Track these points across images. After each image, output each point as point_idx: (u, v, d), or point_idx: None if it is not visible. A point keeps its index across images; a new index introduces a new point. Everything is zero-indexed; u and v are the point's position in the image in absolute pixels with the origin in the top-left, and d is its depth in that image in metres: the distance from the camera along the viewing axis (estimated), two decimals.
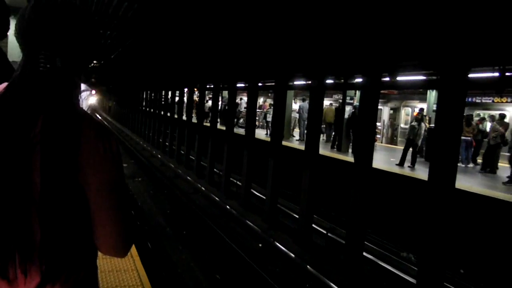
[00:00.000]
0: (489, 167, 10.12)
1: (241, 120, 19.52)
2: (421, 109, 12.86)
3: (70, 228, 0.95)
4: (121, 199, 0.98)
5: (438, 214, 4.95)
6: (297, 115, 16.16)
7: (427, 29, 5.42)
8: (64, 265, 0.96)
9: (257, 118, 18.97)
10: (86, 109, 1.00)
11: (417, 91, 15.61)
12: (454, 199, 4.93)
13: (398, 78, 7.28)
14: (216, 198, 10.78)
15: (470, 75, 5.28)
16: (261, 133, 15.97)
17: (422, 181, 7.45)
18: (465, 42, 4.91)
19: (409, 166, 10.23)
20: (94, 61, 31.51)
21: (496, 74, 4.95)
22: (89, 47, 1.03)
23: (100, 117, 34.78)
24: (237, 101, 18.94)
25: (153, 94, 21.99)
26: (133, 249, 4.23)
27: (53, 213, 0.92)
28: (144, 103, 24.39)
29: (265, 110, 19.81)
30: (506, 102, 12.88)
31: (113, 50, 18.89)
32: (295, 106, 18.20)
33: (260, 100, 24.13)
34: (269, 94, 22.48)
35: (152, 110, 21.73)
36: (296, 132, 16.44)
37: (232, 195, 11.12)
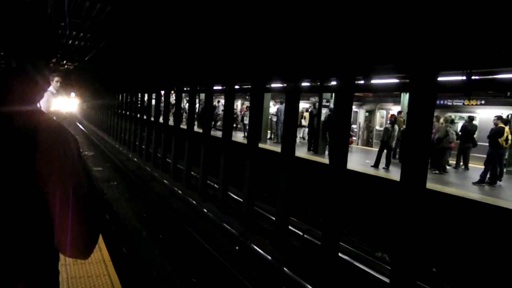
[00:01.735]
0: (437, 167, 10.45)
1: (219, 123, 19.49)
2: (399, 112, 13.13)
3: (28, 233, 0.94)
4: (82, 201, 0.97)
5: (410, 214, 5.07)
6: (274, 118, 16.25)
7: (399, 33, 5.57)
8: (22, 271, 0.94)
9: (237, 120, 19.05)
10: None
11: (392, 94, 15.97)
12: (425, 199, 5.06)
13: (372, 81, 7.44)
14: (193, 201, 10.71)
15: (440, 79, 5.45)
16: (239, 136, 15.99)
17: (395, 182, 7.61)
18: (434, 46, 5.06)
19: (383, 168, 10.44)
20: (69, 63, 30.87)
21: (464, 77, 5.11)
22: (45, 47, 1.01)
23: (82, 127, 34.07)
24: (214, 103, 18.93)
25: (129, 97, 21.71)
26: (106, 254, 4.16)
27: (9, 219, 0.90)
28: (120, 106, 24.04)
29: (242, 112, 19.84)
30: (476, 105, 13.32)
31: (87, 52, 18.59)
32: (273, 109, 18.31)
33: (238, 103, 24.16)
34: (247, 97, 22.52)
35: (128, 113, 21.44)
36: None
37: (209, 198, 11.07)
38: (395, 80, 8.00)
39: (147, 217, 10.12)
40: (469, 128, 10.62)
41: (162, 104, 16.50)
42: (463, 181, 9.62)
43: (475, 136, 10.88)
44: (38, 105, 1.04)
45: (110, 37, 14.40)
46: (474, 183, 8.97)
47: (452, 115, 13.29)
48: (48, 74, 1.05)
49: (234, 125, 18.20)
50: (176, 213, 10.10)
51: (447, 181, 9.36)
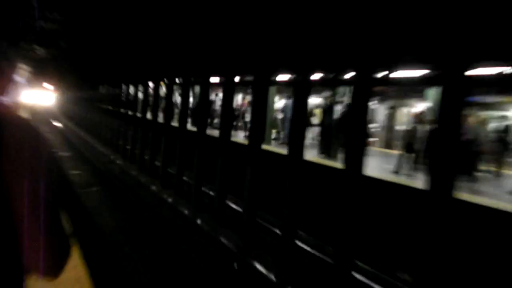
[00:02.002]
0: (467, 173, 10.37)
1: (216, 120, 19.52)
2: (424, 109, 13.11)
3: None
4: (51, 210, 0.97)
5: (435, 227, 5.06)
6: (280, 115, 16.27)
7: (428, 18, 5.56)
8: None
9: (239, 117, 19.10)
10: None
11: (417, 89, 15.96)
12: (454, 209, 5.05)
13: (395, 74, 7.43)
14: (185, 211, 10.72)
15: (473, 72, 5.43)
16: (240, 135, 16.02)
17: (419, 191, 7.60)
18: (470, 34, 5.04)
19: (406, 174, 10.43)
20: (43, 49, 31.02)
21: (502, 70, 5.10)
22: (11, 29, 1.01)
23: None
24: (211, 98, 18.95)
25: (110, 89, 21.77)
26: (83, 272, 4.17)
27: None
28: (99, 99, 24.10)
29: (244, 108, 19.87)
30: None
31: (64, 37, 18.65)
32: (279, 104, 18.33)
33: (239, 97, 24.20)
34: (249, 91, 22.56)
35: (110, 107, 21.49)
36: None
37: (204, 207, 11.07)
38: (422, 73, 8.00)
39: (131, 229, 10.14)
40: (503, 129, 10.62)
41: (151, 98, 16.52)
42: (495, 190, 9.60)
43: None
44: (4, 97, 1.05)
45: (88, 18, 14.45)
46: (509, 193, 8.96)
47: (485, 113, 13.26)
48: (16, 62, 1.05)
49: (234, 123, 18.22)
50: (165, 225, 10.12)
51: (477, 189, 9.34)
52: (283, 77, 10.16)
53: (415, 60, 6.71)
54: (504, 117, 11.14)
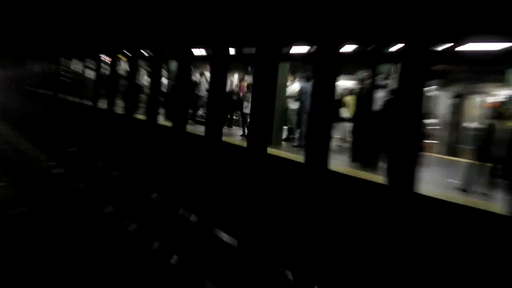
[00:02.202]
0: None
1: (201, 111, 19.52)
2: (506, 99, 13.05)
3: None
4: None
5: None
6: (294, 105, 16.27)
7: None
8: None
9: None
10: None
11: (496, 69, 15.94)
12: None
13: (462, 48, 7.42)
14: (155, 243, 10.75)
15: None
16: (237, 133, 16.03)
17: (501, 217, 7.61)
18: None
19: (479, 192, 10.40)
20: None
21: None
22: None
23: None
24: (195, 78, 18.98)
25: (47, 66, 21.81)
26: None
27: None
28: (33, 81, 24.16)
29: (242, 94, 19.87)
30: None
31: None
32: (293, 88, 18.32)
33: (234, 78, 24.23)
34: (249, 69, 22.58)
35: (46, 93, 21.54)
36: None
37: (182, 240, 11.09)
38: (503, 46, 8.01)
39: (73, 266, 10.17)
40: None
41: (107, 79, 16.56)
42: None
43: None
44: None
45: None
46: None
47: None
48: None
49: (229, 116, 18.27)
50: (123, 264, 10.15)
51: None
52: (299, 49, 10.16)
53: (493, 28, 6.69)
54: None
